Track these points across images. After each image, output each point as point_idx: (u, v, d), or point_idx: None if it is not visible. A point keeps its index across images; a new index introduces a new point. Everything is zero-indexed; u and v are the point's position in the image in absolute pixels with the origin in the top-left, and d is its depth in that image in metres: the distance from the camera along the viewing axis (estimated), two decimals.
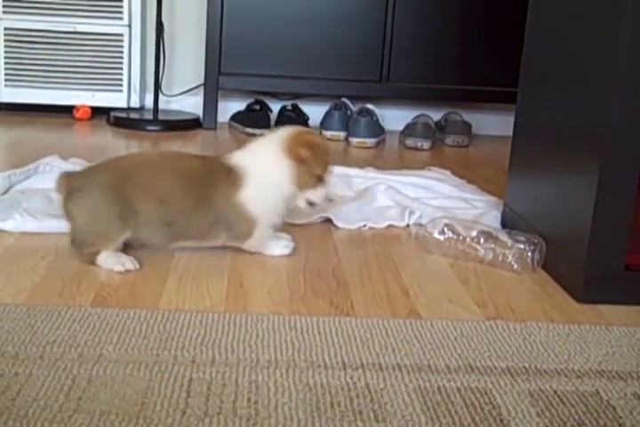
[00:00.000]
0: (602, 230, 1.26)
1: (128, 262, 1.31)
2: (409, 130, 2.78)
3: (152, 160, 1.43)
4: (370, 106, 2.82)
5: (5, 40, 2.84)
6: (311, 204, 1.42)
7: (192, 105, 3.01)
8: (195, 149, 2.43)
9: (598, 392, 0.98)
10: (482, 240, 1.46)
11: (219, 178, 1.36)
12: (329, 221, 1.66)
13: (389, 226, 1.67)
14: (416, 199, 1.79)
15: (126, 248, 1.36)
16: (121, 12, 2.86)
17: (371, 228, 1.65)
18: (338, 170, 1.85)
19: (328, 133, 2.81)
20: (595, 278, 1.28)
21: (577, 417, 0.91)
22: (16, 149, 2.35)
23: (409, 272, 1.40)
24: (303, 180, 1.38)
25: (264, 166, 1.37)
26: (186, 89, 3.05)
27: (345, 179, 1.95)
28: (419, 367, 1.01)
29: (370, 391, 0.94)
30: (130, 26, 2.88)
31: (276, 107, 2.92)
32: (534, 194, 1.55)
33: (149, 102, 2.93)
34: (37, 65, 2.88)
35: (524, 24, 1.64)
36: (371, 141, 2.73)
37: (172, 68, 3.02)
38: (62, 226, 1.48)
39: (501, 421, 0.89)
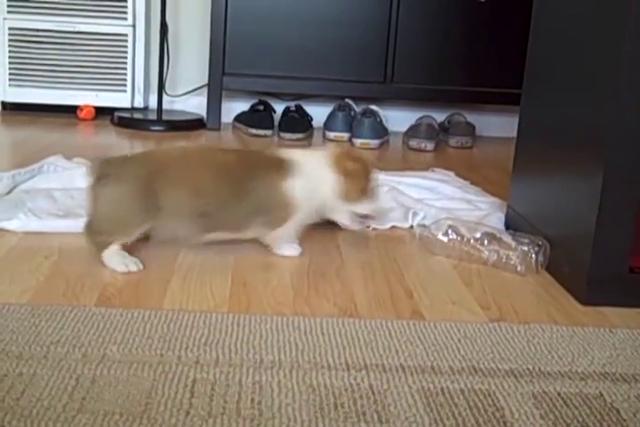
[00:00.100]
0: (606, 232, 1.26)
1: (132, 265, 1.31)
2: (413, 131, 2.78)
3: (187, 153, 1.45)
4: (374, 107, 2.82)
5: (10, 40, 2.85)
6: (360, 216, 1.45)
7: (196, 105, 3.01)
8: None
9: (602, 395, 0.98)
10: (485, 242, 1.45)
11: (262, 167, 1.38)
12: (332, 222, 1.65)
13: (393, 227, 1.67)
14: (420, 200, 1.79)
15: (132, 249, 1.36)
16: (125, 13, 2.86)
17: (374, 229, 1.65)
18: None
19: (331, 134, 2.81)
20: (598, 281, 1.28)
21: (580, 419, 0.91)
22: (20, 148, 2.35)
23: (412, 274, 1.40)
24: (352, 193, 1.41)
25: (313, 167, 1.40)
26: (190, 89, 3.05)
27: None
28: (422, 369, 1.01)
29: (373, 392, 0.94)
30: (134, 26, 2.89)
31: (279, 107, 2.91)
32: (538, 196, 1.55)
33: (153, 102, 2.93)
34: (42, 65, 2.88)
35: (528, 25, 1.63)
36: (374, 142, 2.73)
37: (175, 69, 3.02)
38: (66, 226, 1.49)
39: (505, 423, 0.89)
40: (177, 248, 1.43)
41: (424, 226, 1.54)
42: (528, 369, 1.03)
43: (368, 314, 1.20)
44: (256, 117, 2.84)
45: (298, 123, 2.82)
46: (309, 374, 0.98)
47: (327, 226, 1.65)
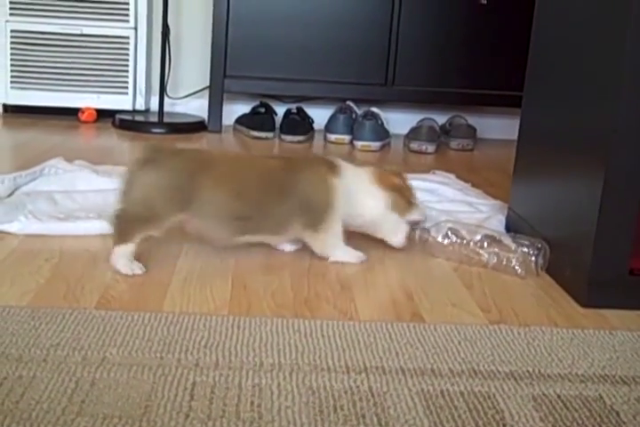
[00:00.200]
0: (606, 235, 1.26)
1: (137, 269, 1.31)
2: (414, 133, 2.78)
3: (235, 157, 1.49)
4: (375, 109, 2.82)
5: (12, 42, 2.85)
6: (414, 223, 1.51)
7: (197, 108, 3.02)
8: None
9: (602, 397, 0.98)
10: (486, 244, 1.45)
11: (306, 168, 1.41)
12: None
13: None
14: (420, 203, 1.79)
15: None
16: (127, 15, 2.87)
17: None
18: None
19: (332, 137, 2.81)
20: (599, 283, 1.28)
21: (580, 422, 0.91)
22: (21, 151, 2.35)
23: (412, 276, 1.40)
24: (402, 205, 1.47)
25: (358, 179, 1.45)
26: (191, 92, 3.05)
27: None
28: (422, 371, 1.01)
29: (373, 395, 0.94)
30: (136, 28, 2.89)
31: (280, 110, 2.92)
32: (539, 198, 1.55)
33: (155, 105, 2.93)
34: (43, 67, 2.88)
35: (529, 28, 1.64)
36: (375, 145, 2.73)
37: (177, 71, 3.03)
38: (67, 229, 1.49)
39: (504, 425, 0.89)
40: (177, 250, 1.43)
41: (424, 228, 1.54)
42: (528, 371, 1.03)
43: (368, 316, 1.20)
44: (257, 120, 2.84)
45: (299, 125, 2.82)
46: (309, 376, 0.98)
47: None
